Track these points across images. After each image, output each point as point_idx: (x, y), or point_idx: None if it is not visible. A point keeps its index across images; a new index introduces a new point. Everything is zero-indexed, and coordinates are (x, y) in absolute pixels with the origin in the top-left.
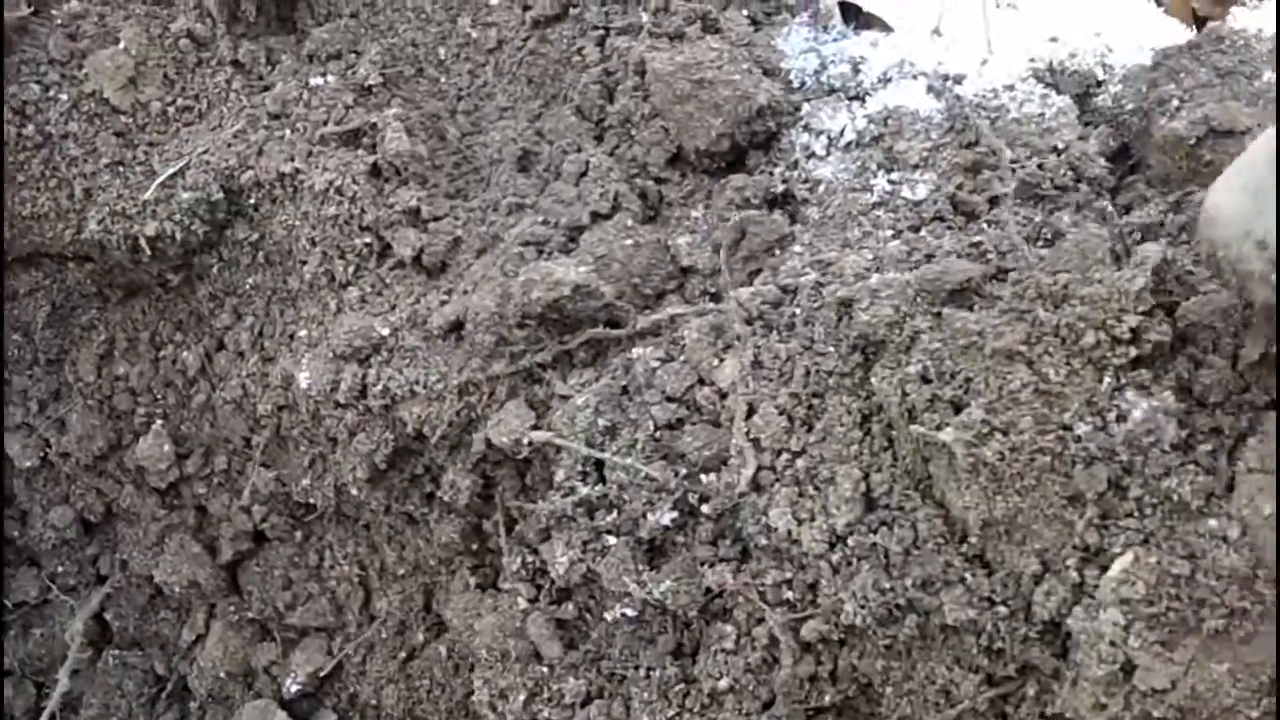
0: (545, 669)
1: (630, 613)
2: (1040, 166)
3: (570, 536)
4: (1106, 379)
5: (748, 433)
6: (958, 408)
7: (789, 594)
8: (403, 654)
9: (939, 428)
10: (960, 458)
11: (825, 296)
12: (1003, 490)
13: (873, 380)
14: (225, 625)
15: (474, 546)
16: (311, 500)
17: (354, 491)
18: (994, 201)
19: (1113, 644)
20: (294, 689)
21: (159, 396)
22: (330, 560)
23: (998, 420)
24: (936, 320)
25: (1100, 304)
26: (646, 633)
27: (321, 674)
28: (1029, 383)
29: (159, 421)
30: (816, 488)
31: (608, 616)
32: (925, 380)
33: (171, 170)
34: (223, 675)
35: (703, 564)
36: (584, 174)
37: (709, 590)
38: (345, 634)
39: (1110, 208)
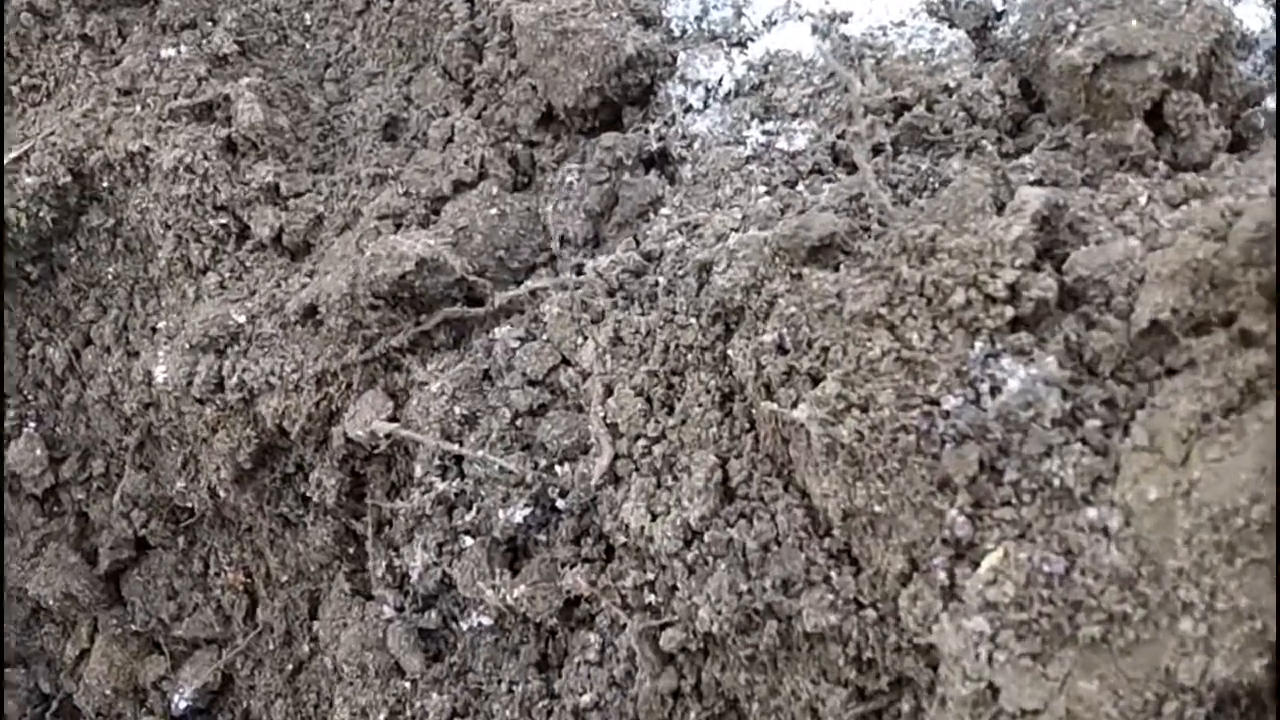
0: (407, 684)
1: (486, 621)
2: (929, 108)
3: (427, 538)
4: (978, 344)
5: (605, 417)
6: (816, 381)
7: (651, 598)
8: (290, 666)
9: (795, 404)
10: (815, 438)
11: (687, 262)
12: (863, 475)
13: (730, 352)
14: (109, 639)
15: (350, 550)
16: (189, 504)
17: (222, 494)
18: (877, 150)
19: (977, 658)
20: (183, 705)
21: (29, 397)
22: (215, 568)
23: (855, 394)
24: (796, 282)
25: (972, 257)
26: (509, 643)
27: (211, 689)
28: (890, 350)
29: (31, 424)
30: (675, 477)
31: (463, 625)
32: (782, 350)
33: (14, 154)
34: (109, 692)
35: (563, 566)
36: (450, 139)
37: (569, 595)
38: (234, 646)
39: (992, 149)
